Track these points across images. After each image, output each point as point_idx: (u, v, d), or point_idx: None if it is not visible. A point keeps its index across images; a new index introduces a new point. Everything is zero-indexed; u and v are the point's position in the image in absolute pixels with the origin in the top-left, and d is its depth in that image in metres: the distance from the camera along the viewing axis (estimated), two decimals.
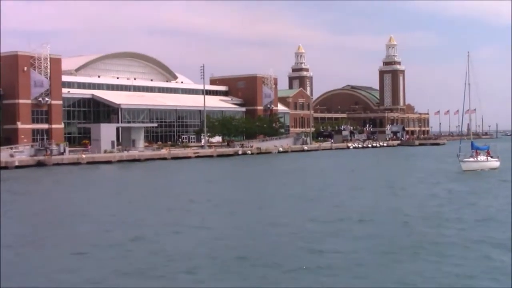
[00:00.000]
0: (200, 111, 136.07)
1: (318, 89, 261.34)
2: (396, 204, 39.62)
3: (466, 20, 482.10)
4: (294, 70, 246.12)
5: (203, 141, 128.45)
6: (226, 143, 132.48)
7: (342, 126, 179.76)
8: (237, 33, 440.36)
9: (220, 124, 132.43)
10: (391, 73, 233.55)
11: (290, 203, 41.43)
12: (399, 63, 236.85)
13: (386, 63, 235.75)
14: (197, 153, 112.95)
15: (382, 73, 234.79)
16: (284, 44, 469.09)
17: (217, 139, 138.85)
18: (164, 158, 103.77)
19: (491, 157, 69.49)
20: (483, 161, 68.24)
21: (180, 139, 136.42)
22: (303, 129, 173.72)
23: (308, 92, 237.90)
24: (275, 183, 58.67)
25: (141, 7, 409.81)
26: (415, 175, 64.79)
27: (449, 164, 75.69)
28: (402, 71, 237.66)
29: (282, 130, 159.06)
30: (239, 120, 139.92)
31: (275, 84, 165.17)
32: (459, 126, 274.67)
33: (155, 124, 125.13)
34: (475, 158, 68.20)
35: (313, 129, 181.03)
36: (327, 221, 32.83)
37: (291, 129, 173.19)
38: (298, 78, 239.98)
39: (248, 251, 24.81)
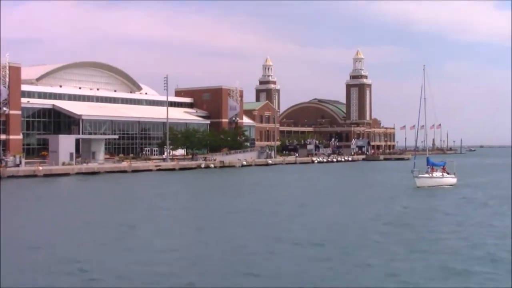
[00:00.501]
0: (164, 123, 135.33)
1: (286, 102, 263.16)
2: (324, 224, 39.11)
3: (434, 36, 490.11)
4: (261, 82, 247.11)
5: (166, 153, 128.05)
6: (190, 156, 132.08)
7: (308, 140, 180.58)
8: (206, 45, 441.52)
9: (183, 137, 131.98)
10: (357, 87, 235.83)
11: (224, 220, 41.04)
12: (366, 77, 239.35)
13: (353, 77, 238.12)
14: (159, 166, 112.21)
15: (349, 87, 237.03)
16: (253, 56, 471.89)
17: (181, 152, 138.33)
18: (125, 171, 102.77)
19: (447, 173, 69.74)
20: (438, 177, 68.35)
21: (142, 152, 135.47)
22: (269, 143, 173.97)
23: (275, 105, 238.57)
24: (221, 198, 58.31)
25: (109, 17, 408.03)
26: (365, 191, 64.85)
27: (406, 180, 76.19)
28: (369, 85, 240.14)
29: (247, 144, 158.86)
30: (203, 133, 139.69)
31: (241, 96, 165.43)
32: (424, 141, 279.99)
33: (116, 136, 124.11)
34: (430, 174, 68.35)
35: (278, 143, 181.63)
36: (251, 239, 32.48)
37: (257, 143, 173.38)
38: (265, 91, 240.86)
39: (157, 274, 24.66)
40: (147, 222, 39.63)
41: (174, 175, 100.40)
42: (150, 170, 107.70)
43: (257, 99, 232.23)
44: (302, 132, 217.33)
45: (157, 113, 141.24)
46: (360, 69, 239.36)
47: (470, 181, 79.03)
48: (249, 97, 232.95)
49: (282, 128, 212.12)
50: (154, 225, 38.54)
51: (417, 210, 46.72)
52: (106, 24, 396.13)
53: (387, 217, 41.64)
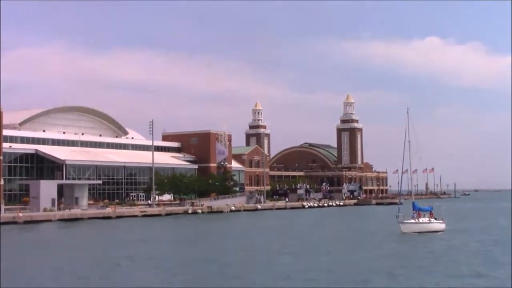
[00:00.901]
0: (150, 167, 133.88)
1: (276, 147, 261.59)
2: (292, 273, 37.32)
3: (424, 80, 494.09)
4: (251, 127, 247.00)
5: (156, 199, 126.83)
6: (177, 201, 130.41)
7: (298, 185, 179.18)
8: (195, 89, 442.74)
9: (169, 182, 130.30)
10: (348, 131, 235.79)
11: (183, 271, 39.06)
12: (356, 121, 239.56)
13: (343, 121, 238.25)
14: (144, 211, 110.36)
15: (339, 131, 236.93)
16: (243, 100, 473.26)
17: (168, 197, 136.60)
18: (109, 217, 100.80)
19: (435, 218, 67.42)
20: (424, 222, 65.98)
21: (128, 197, 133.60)
22: (259, 187, 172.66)
23: (266, 149, 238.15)
24: (195, 245, 56.45)
25: (97, 62, 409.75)
26: (349, 237, 62.67)
27: (392, 225, 73.85)
28: (360, 129, 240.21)
29: (236, 188, 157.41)
30: (190, 178, 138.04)
31: (229, 140, 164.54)
32: (416, 185, 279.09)
33: (100, 181, 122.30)
34: (417, 220, 66.01)
35: (268, 188, 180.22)
36: None
37: (246, 187, 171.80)
38: (255, 135, 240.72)
39: None
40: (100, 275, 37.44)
41: (159, 221, 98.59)
42: (135, 216, 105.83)
43: (247, 144, 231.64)
44: (293, 177, 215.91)
45: (144, 158, 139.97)
46: (351, 113, 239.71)
47: (460, 226, 76.88)
48: (239, 142, 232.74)
49: (272, 173, 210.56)
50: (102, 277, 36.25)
51: (398, 257, 44.53)
52: (94, 70, 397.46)
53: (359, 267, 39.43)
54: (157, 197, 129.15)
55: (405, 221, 65.00)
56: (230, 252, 49.44)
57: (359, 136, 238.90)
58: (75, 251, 51.06)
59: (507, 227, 73.66)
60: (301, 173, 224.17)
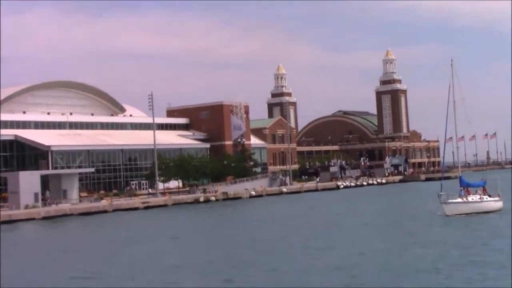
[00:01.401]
0: (153, 150, 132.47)
1: (304, 118, 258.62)
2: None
3: (481, 30, 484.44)
4: (273, 95, 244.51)
5: (162, 186, 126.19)
6: (187, 189, 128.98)
7: (332, 161, 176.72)
8: (206, 56, 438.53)
9: (176, 165, 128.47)
10: (390, 94, 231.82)
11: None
12: (399, 81, 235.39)
13: (383, 82, 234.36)
14: (146, 203, 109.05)
15: (379, 94, 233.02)
16: (264, 64, 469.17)
17: (176, 184, 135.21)
18: (105, 211, 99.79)
19: (489, 195, 64.21)
20: (475, 201, 62.89)
21: (129, 186, 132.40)
22: (284, 167, 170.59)
23: (292, 121, 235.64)
24: (192, 243, 54.66)
25: (92, 29, 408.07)
26: (380, 225, 59.93)
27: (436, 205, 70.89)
28: (404, 91, 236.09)
29: (257, 169, 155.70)
30: (201, 159, 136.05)
31: (247, 113, 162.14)
32: (475, 155, 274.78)
33: (92, 169, 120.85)
34: (465, 199, 62.90)
35: (296, 166, 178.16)
36: None
37: (270, 167, 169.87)
38: (279, 104, 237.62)
39: None
40: None
41: (165, 213, 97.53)
42: (136, 209, 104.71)
43: (270, 116, 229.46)
44: (326, 152, 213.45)
45: (145, 139, 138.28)
46: (392, 73, 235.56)
47: None
48: (260, 114, 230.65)
49: (300, 148, 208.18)
50: None
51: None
52: (88, 38, 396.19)
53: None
54: (162, 184, 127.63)
55: (450, 200, 62.02)
56: (240, 248, 47.42)
57: (403, 99, 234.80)
58: (52, 259, 49.27)
59: None
60: (335, 147, 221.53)
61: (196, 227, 72.32)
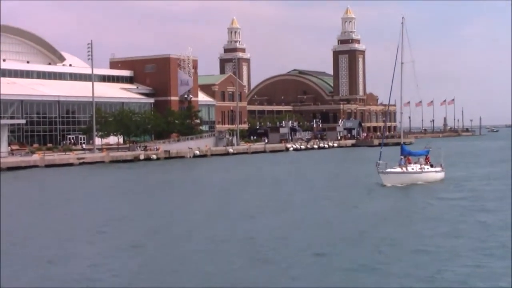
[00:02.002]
0: (92, 102, 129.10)
1: (258, 76, 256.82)
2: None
3: None
4: (226, 50, 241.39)
5: (100, 142, 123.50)
6: (128, 145, 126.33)
7: (283, 122, 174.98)
8: (156, 5, 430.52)
9: (116, 120, 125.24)
10: (347, 54, 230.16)
11: None
12: (358, 41, 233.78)
13: (341, 42, 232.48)
14: (82, 158, 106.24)
15: (336, 54, 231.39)
16: (217, 17, 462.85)
17: (117, 140, 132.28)
18: (35, 166, 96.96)
19: (431, 165, 62.11)
20: (415, 172, 60.44)
21: (65, 140, 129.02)
22: (234, 126, 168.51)
23: (245, 79, 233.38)
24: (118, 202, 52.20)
25: None
26: (310, 192, 57.26)
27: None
28: (362, 52, 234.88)
29: (204, 128, 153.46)
30: (142, 115, 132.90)
31: (195, 67, 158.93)
32: (432, 121, 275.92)
33: (23, 121, 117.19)
34: (405, 168, 60.31)
35: (246, 126, 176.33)
36: None
37: (218, 126, 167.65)
38: (232, 61, 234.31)
39: None
40: None
41: (99, 169, 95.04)
42: (71, 165, 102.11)
43: (222, 72, 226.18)
44: (279, 112, 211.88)
45: (85, 91, 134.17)
46: (351, 32, 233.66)
47: (467, 174, 72.06)
48: (212, 70, 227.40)
49: (252, 107, 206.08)
50: None
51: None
52: None
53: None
54: (101, 140, 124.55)
55: (388, 169, 59.45)
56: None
57: (360, 60, 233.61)
58: None
59: None
60: (289, 108, 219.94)
61: (121, 186, 69.78)
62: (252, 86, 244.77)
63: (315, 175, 78.47)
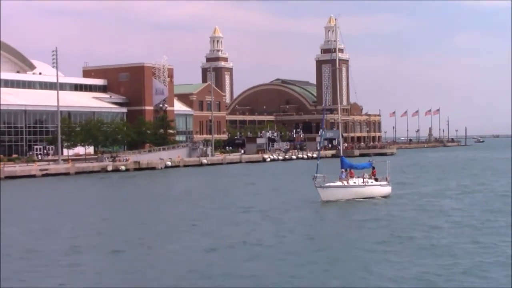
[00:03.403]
0: (62, 112, 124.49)
1: (241, 85, 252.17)
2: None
3: (431, 3, 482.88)
4: (208, 59, 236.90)
5: (67, 152, 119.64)
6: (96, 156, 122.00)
7: (263, 132, 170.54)
8: (137, 14, 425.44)
9: (83, 130, 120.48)
10: (331, 63, 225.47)
11: None
12: (341, 50, 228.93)
13: (325, 51, 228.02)
14: (45, 170, 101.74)
15: (319, 63, 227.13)
16: (200, 28, 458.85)
17: (88, 150, 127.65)
18: None
19: (375, 179, 56.98)
20: (357, 185, 55.36)
21: (32, 151, 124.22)
22: (216, 136, 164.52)
23: (227, 88, 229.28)
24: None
25: None
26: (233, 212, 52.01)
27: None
28: (346, 61, 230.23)
29: (180, 138, 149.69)
30: (112, 125, 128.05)
31: (170, 76, 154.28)
32: (418, 131, 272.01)
33: None
34: (345, 182, 55.27)
35: (225, 136, 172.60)
36: None
37: (196, 136, 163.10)
38: (214, 70, 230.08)
39: None
40: None
41: (61, 182, 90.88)
42: (33, 176, 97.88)
43: (204, 81, 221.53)
44: (261, 122, 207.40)
45: (55, 99, 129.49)
46: (334, 41, 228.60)
47: (416, 189, 66.34)
48: (195, 80, 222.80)
49: (232, 117, 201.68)
50: None
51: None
52: None
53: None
54: (67, 151, 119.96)
55: (328, 183, 54.35)
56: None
57: (344, 69, 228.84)
58: None
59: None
60: (271, 118, 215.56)
61: (73, 199, 65.14)
62: (234, 96, 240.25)
63: (247, 190, 72.51)
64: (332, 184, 54.59)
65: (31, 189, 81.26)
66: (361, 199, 54.33)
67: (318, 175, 54.26)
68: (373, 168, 57.48)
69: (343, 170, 55.87)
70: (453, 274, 27.31)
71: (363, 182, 55.58)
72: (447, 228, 39.53)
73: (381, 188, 56.42)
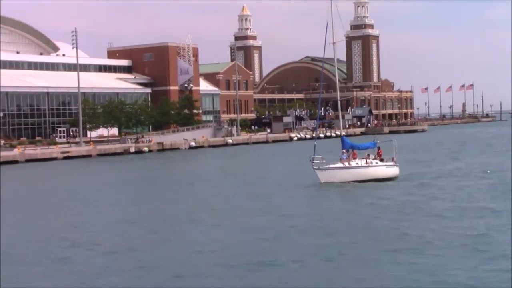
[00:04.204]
0: (85, 94, 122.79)
1: (270, 64, 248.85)
2: None
3: None
4: (237, 38, 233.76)
5: (90, 134, 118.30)
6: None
7: (292, 110, 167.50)
8: None
9: (105, 112, 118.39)
10: (361, 40, 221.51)
11: None
12: (371, 26, 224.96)
13: (354, 27, 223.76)
14: (66, 152, 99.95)
15: (349, 39, 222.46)
16: (228, 6, 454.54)
17: (112, 132, 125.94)
18: (15, 162, 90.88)
19: (381, 160, 52.13)
20: (359, 167, 50.71)
21: (55, 133, 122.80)
22: (244, 115, 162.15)
23: (256, 67, 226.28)
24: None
25: None
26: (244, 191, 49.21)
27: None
28: (376, 37, 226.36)
29: (207, 118, 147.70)
30: (134, 105, 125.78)
31: (195, 56, 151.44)
32: (451, 106, 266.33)
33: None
34: (347, 163, 50.87)
35: (252, 116, 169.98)
36: None
37: (223, 116, 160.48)
38: (243, 49, 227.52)
39: None
40: None
41: (81, 164, 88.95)
42: (55, 159, 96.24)
43: (233, 60, 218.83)
44: (290, 100, 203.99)
45: (80, 81, 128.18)
46: (364, 17, 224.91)
47: (431, 170, 59.93)
48: (223, 58, 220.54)
49: (260, 96, 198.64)
50: None
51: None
52: None
53: None
54: (89, 132, 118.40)
55: (328, 165, 50.51)
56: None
57: (374, 46, 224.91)
58: None
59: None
60: (301, 96, 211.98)
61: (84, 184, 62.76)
62: (264, 74, 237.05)
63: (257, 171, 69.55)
64: (331, 165, 50.59)
65: (48, 172, 79.08)
66: (365, 181, 49.73)
67: (317, 156, 50.55)
68: (379, 148, 52.75)
69: (344, 150, 51.64)
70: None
71: (367, 162, 51.03)
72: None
73: (387, 169, 51.49)
